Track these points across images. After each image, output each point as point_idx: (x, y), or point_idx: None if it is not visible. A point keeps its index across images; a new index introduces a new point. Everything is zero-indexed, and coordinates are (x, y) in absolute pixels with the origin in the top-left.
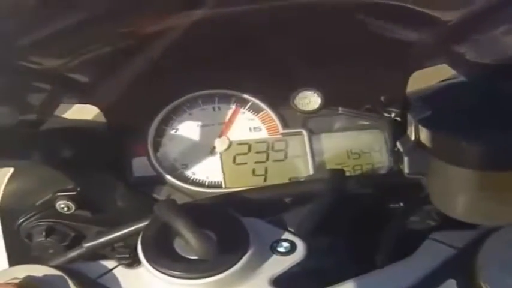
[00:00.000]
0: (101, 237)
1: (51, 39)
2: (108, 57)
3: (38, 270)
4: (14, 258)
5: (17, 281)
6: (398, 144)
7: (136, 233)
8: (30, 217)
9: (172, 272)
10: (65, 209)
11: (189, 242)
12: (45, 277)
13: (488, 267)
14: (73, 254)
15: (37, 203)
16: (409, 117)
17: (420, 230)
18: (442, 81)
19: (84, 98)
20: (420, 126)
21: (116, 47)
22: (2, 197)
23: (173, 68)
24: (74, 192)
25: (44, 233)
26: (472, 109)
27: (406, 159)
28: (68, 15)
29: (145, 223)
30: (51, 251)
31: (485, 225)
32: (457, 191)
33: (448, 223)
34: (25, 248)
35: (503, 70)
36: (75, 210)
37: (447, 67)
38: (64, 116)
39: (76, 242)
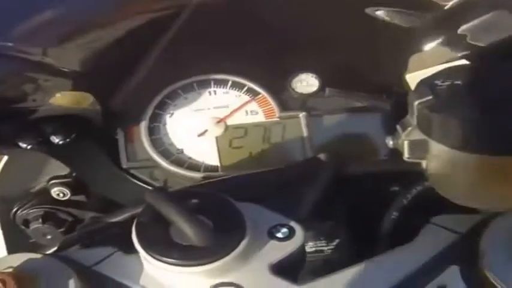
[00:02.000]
0: (95, 223)
1: (45, 29)
2: (102, 44)
3: (33, 259)
4: (12, 245)
5: (11, 269)
6: (398, 127)
7: (131, 218)
8: (26, 204)
9: (167, 259)
10: (61, 195)
11: (183, 229)
12: (40, 265)
13: (492, 253)
14: (68, 240)
15: (32, 190)
16: (410, 100)
17: (421, 215)
18: (442, 63)
19: (79, 84)
20: (421, 109)
21: (111, 34)
22: None
23: (168, 53)
24: (69, 179)
25: (40, 219)
26: (474, 93)
27: (405, 143)
28: (59, 3)
29: (140, 209)
30: (48, 236)
31: (487, 210)
32: (458, 175)
33: (450, 207)
34: (22, 234)
35: (501, 52)
36: (70, 196)
37: (446, 49)
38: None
39: (73, 227)
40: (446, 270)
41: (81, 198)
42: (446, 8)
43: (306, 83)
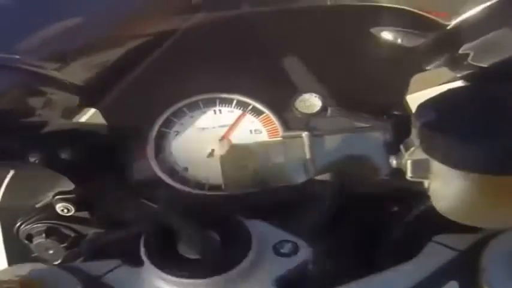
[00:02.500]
0: (104, 237)
1: (52, 44)
2: (109, 61)
3: (40, 269)
4: (14, 259)
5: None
6: (401, 147)
7: (139, 233)
8: (30, 218)
9: (174, 272)
10: (65, 211)
11: (192, 243)
12: (47, 275)
13: (491, 270)
14: (74, 252)
15: (37, 205)
16: (413, 120)
17: (423, 233)
18: (443, 84)
19: (85, 100)
20: (424, 130)
21: (118, 51)
22: (2, 198)
23: (174, 71)
24: (74, 195)
25: (43, 234)
26: (476, 113)
27: (409, 162)
28: (67, 19)
29: (149, 224)
30: (50, 251)
31: (488, 228)
32: (459, 195)
33: (451, 226)
34: (25, 249)
35: (502, 73)
36: (74, 212)
37: (447, 70)
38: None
39: (76, 242)
40: (446, 285)
41: (85, 214)
42: (448, 27)
43: (309, 103)
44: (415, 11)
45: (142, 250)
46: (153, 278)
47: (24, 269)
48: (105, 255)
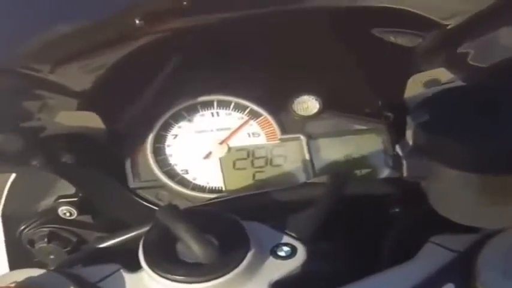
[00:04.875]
0: (102, 242)
1: (49, 47)
2: (108, 65)
3: (38, 274)
4: (16, 264)
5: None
6: (397, 147)
7: (137, 237)
8: (32, 223)
9: (172, 276)
10: (67, 214)
11: (190, 247)
12: (44, 280)
13: (488, 272)
14: (73, 258)
15: (39, 210)
16: (408, 120)
17: (420, 234)
18: (442, 84)
19: (84, 104)
20: (419, 130)
21: (117, 55)
22: (5, 203)
23: (172, 74)
24: (76, 198)
25: (46, 239)
26: (471, 113)
27: (404, 162)
28: (62, 23)
29: (147, 228)
30: (52, 256)
31: (485, 228)
32: (456, 194)
33: (448, 226)
34: (27, 254)
35: (500, 73)
36: (77, 216)
37: (445, 70)
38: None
39: (78, 247)
40: None
41: (87, 218)
42: (447, 27)
43: (307, 105)
44: (414, 11)
45: (140, 253)
46: (150, 281)
47: (21, 274)
48: (104, 259)
